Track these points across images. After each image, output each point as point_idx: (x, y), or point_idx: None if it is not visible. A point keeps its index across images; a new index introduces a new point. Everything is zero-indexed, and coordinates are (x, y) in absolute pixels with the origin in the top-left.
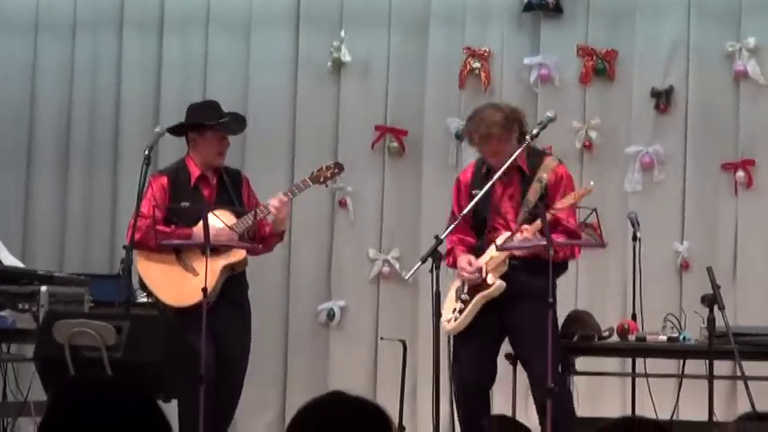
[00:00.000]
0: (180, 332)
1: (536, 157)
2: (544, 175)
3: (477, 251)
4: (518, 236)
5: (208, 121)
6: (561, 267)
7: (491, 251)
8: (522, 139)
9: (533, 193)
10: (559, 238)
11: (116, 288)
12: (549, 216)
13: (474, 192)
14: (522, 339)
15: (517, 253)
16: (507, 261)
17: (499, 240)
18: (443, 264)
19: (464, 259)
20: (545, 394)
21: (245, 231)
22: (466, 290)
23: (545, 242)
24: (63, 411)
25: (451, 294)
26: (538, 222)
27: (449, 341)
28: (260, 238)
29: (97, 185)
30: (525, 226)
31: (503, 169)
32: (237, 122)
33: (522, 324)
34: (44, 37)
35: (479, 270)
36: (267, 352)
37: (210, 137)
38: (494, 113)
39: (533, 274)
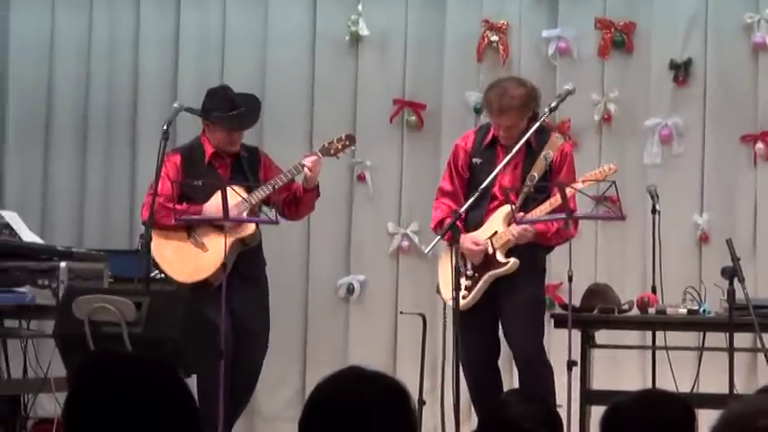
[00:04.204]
0: (199, 307)
1: (543, 132)
2: (550, 152)
3: (472, 224)
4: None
5: (218, 113)
6: (549, 248)
7: (495, 224)
8: (533, 118)
9: (538, 169)
10: (556, 223)
11: (135, 264)
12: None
13: (474, 160)
14: (506, 315)
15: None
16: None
17: (500, 214)
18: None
19: (468, 239)
20: (528, 375)
21: (260, 204)
22: (469, 266)
23: (563, 217)
24: (90, 388)
25: (446, 270)
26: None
27: (453, 317)
28: (294, 201)
29: (116, 160)
30: (514, 227)
31: (527, 135)
32: (249, 112)
33: (508, 300)
34: (61, 12)
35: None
36: (286, 327)
37: (221, 128)
38: (517, 87)
39: (518, 254)
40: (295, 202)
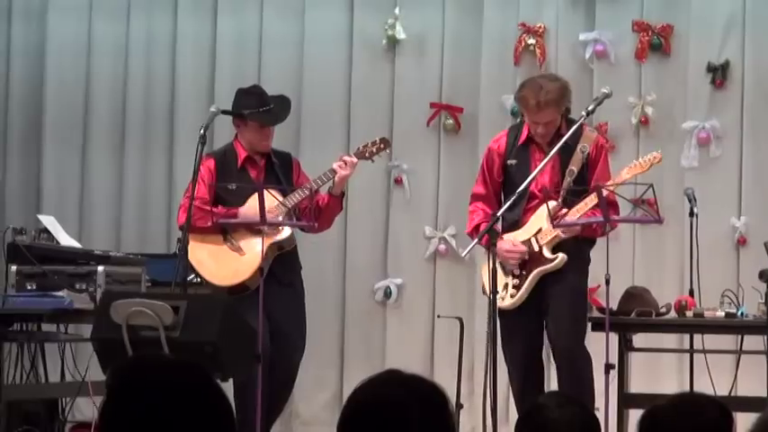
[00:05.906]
0: (236, 311)
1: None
2: (585, 145)
3: (509, 224)
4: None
5: (248, 110)
6: (593, 242)
7: (539, 222)
8: (567, 113)
9: (576, 163)
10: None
11: (173, 268)
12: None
13: (509, 162)
14: (551, 304)
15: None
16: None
17: (544, 212)
18: (474, 240)
19: (507, 243)
20: (567, 366)
21: (294, 208)
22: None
23: (600, 220)
24: (125, 392)
25: (485, 270)
26: (583, 204)
27: (497, 316)
28: (316, 212)
29: (153, 165)
30: (563, 215)
31: (566, 137)
32: (280, 110)
33: (554, 289)
34: (99, 16)
35: (523, 251)
36: (324, 331)
37: (252, 125)
38: (551, 82)
39: (565, 248)
40: (315, 213)
